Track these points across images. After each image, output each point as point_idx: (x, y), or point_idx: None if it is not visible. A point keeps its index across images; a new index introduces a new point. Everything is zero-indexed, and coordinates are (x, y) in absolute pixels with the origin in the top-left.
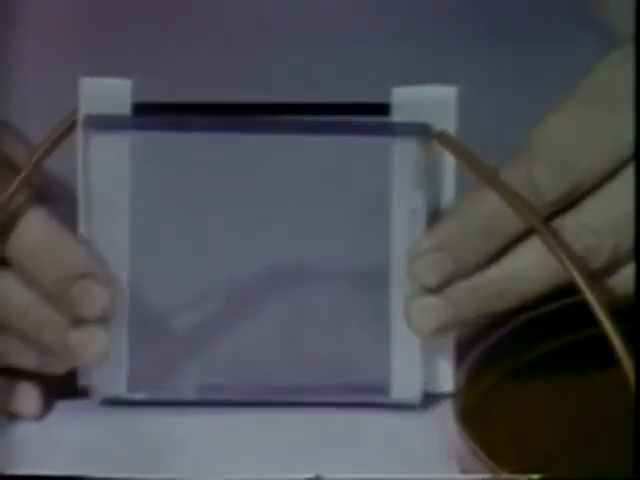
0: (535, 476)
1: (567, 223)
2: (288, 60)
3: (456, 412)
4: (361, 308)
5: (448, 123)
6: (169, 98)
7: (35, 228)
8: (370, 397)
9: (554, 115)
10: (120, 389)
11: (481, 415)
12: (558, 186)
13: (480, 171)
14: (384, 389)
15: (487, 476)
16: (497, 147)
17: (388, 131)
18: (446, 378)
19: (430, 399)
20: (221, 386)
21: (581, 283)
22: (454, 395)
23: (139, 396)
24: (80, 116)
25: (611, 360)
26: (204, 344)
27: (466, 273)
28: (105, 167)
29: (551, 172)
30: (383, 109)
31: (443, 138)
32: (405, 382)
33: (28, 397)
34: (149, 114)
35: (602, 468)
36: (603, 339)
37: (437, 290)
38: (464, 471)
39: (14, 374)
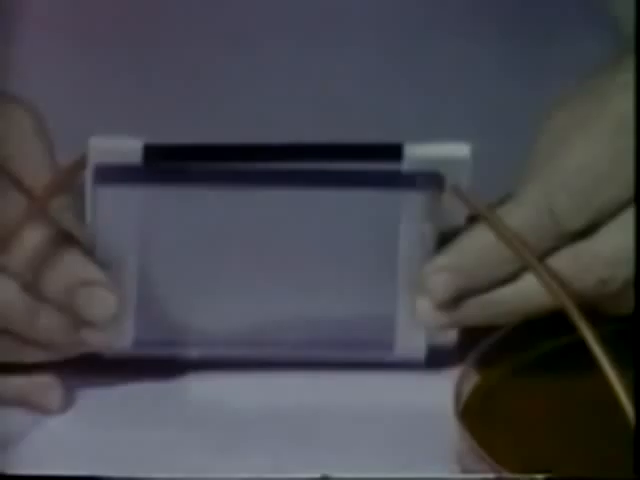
0: (539, 476)
1: (580, 253)
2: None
3: (457, 412)
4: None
5: (461, 179)
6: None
7: (35, 239)
8: (374, 354)
9: (573, 141)
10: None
11: (482, 415)
12: (578, 218)
13: (494, 225)
14: (388, 346)
15: (489, 476)
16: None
17: (399, 183)
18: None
19: (434, 355)
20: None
21: (579, 322)
22: (455, 395)
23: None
24: (89, 168)
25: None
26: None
27: (478, 292)
28: (113, 219)
29: (571, 203)
30: (395, 151)
31: (456, 191)
32: (410, 339)
33: (50, 392)
34: (159, 160)
35: (602, 468)
36: (604, 340)
37: (447, 304)
38: (465, 471)
39: (32, 370)
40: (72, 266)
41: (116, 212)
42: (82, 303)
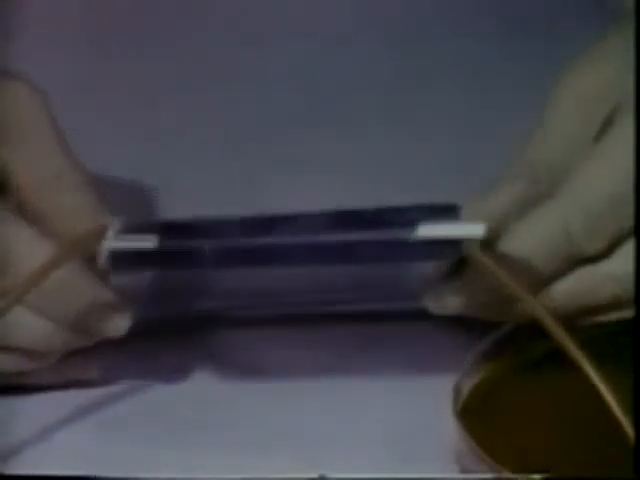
0: (536, 476)
1: (595, 272)
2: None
3: (456, 411)
4: None
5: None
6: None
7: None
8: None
9: (590, 161)
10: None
11: (482, 414)
12: (594, 241)
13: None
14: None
15: (488, 476)
16: None
17: (415, 253)
18: None
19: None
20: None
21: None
22: (454, 395)
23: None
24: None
25: (612, 359)
26: None
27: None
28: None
29: (588, 226)
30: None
31: (474, 259)
32: None
33: (88, 362)
34: (173, 241)
35: (602, 467)
36: (604, 339)
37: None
38: (464, 471)
39: None
40: (85, 288)
41: (130, 283)
42: (96, 324)
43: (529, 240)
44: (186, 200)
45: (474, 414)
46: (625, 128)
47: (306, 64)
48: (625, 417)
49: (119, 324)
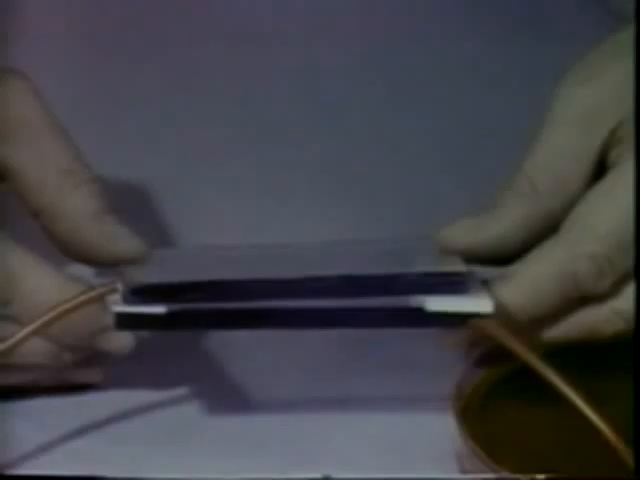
0: (539, 476)
1: (601, 309)
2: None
3: (457, 412)
4: None
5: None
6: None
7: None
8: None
9: (596, 199)
10: None
11: (482, 415)
12: (600, 283)
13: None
14: None
15: (489, 476)
16: None
17: (421, 323)
18: None
19: None
20: None
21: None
22: (455, 395)
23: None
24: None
25: (612, 361)
26: None
27: None
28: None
29: (595, 269)
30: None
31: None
32: None
33: (91, 366)
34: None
35: (601, 468)
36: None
37: None
38: (464, 471)
39: None
40: (92, 315)
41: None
42: (101, 344)
43: (534, 281)
44: (186, 204)
45: (475, 414)
46: (630, 167)
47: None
48: (621, 445)
49: (124, 343)
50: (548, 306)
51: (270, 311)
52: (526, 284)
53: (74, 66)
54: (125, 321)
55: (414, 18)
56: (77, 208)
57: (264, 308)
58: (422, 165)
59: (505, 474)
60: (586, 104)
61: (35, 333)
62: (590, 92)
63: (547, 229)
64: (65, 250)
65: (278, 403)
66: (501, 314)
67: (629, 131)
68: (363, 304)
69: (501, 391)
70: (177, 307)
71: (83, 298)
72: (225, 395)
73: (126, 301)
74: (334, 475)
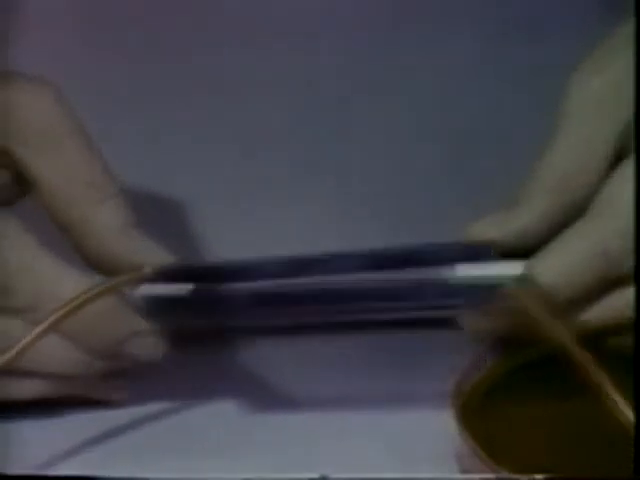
0: (539, 476)
1: (626, 295)
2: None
3: (456, 411)
4: None
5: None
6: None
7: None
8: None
9: (623, 178)
10: None
11: (482, 414)
12: (630, 261)
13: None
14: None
15: (488, 476)
16: None
17: (451, 294)
18: None
19: None
20: None
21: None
22: (454, 394)
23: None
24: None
25: (612, 361)
26: None
27: None
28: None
29: (624, 246)
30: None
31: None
32: None
33: (116, 384)
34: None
35: (601, 468)
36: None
37: None
38: (464, 471)
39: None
40: (122, 319)
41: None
42: (131, 352)
43: (566, 260)
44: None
45: (474, 414)
46: None
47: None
48: None
49: (155, 350)
50: (581, 286)
51: (298, 290)
52: (559, 263)
53: (73, 67)
54: (153, 305)
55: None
56: (105, 223)
57: (292, 287)
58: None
59: (504, 474)
60: (602, 92)
61: (59, 328)
62: (605, 80)
63: (571, 221)
64: (92, 262)
65: (277, 402)
66: (535, 294)
67: None
68: (391, 278)
69: (501, 389)
70: (205, 288)
71: (113, 283)
72: (224, 396)
73: (153, 284)
74: (331, 475)
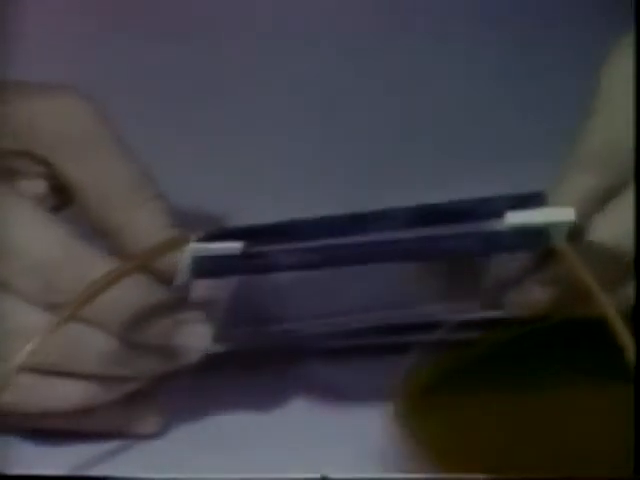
0: (481, 476)
1: None
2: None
3: (395, 412)
4: None
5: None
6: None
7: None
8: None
9: None
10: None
11: (422, 414)
12: None
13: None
14: None
15: (479, 476)
16: None
17: (504, 243)
18: None
19: None
20: None
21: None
22: (396, 393)
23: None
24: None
25: (552, 357)
26: None
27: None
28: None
29: None
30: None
31: (559, 251)
32: None
33: (147, 416)
34: (256, 246)
35: (546, 465)
36: (545, 334)
37: None
38: (404, 471)
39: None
40: (163, 310)
41: (210, 293)
42: (179, 342)
43: (615, 229)
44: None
45: (414, 413)
46: None
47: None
48: None
49: (202, 337)
50: (630, 257)
51: (347, 248)
52: (614, 225)
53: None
54: (201, 267)
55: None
56: (146, 226)
57: (341, 245)
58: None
59: (446, 475)
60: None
61: (100, 318)
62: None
63: (609, 202)
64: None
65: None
66: (584, 254)
67: None
68: (441, 232)
69: (442, 389)
70: (253, 247)
71: (161, 245)
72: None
73: (201, 246)
74: (332, 475)
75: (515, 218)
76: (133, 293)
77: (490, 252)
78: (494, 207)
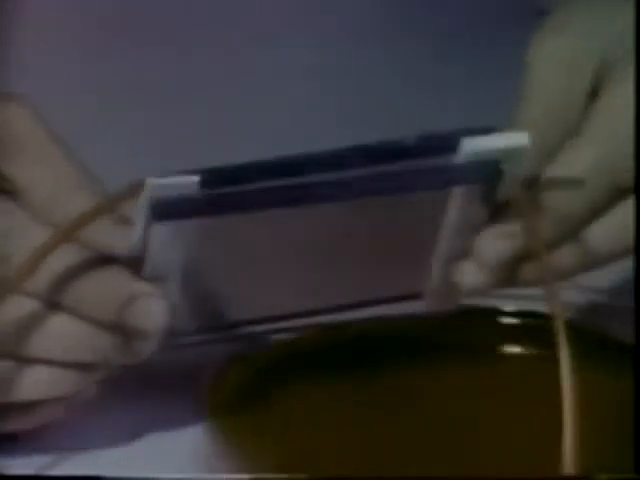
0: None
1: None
2: None
3: (206, 408)
4: None
5: (518, 165)
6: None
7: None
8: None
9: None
10: None
11: (233, 411)
12: (630, 165)
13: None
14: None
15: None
16: None
17: (452, 177)
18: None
19: None
20: None
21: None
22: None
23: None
24: (144, 205)
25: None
26: None
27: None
28: (163, 250)
29: (622, 148)
30: (451, 145)
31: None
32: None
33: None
34: (216, 187)
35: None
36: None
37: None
38: (214, 471)
39: None
40: (118, 283)
41: (168, 244)
42: (135, 317)
43: (574, 169)
44: None
45: (226, 410)
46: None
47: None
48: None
49: (157, 317)
50: (591, 197)
51: (304, 187)
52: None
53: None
54: (160, 207)
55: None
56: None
57: (297, 185)
58: None
59: (269, 476)
60: (563, 53)
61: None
62: (564, 41)
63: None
64: None
65: None
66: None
67: (615, 61)
68: (395, 169)
69: (255, 385)
70: (212, 189)
71: (119, 193)
72: None
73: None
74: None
75: (469, 145)
76: (74, 260)
77: (447, 185)
78: (448, 142)
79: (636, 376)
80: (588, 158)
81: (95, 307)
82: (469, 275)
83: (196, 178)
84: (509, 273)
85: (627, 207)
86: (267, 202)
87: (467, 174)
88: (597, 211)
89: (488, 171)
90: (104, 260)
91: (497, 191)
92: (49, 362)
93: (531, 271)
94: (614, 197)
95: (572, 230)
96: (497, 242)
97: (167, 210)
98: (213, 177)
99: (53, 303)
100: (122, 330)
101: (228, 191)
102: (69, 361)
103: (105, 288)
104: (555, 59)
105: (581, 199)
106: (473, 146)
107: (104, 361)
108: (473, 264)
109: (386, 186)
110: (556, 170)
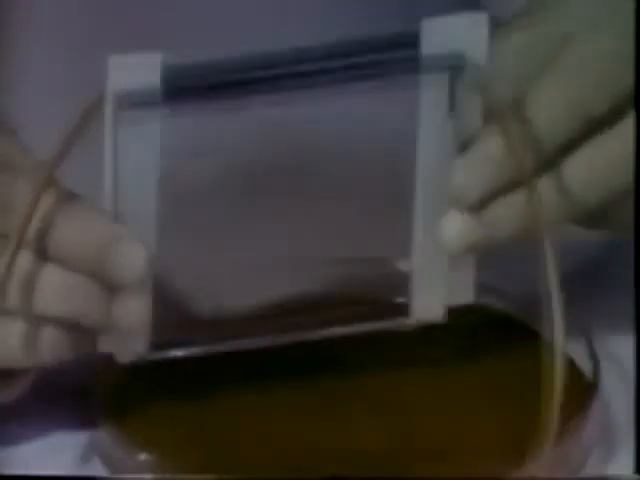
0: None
1: (610, 147)
2: None
3: (99, 403)
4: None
5: (480, 50)
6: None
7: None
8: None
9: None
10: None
11: (124, 402)
12: (602, 97)
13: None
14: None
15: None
16: None
17: (418, 68)
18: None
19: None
20: None
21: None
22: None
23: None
24: (109, 94)
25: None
26: None
27: (508, 189)
28: (135, 146)
29: (593, 80)
30: (412, 38)
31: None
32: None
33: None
34: (178, 79)
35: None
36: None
37: (475, 208)
38: (114, 470)
39: None
40: (93, 226)
41: (136, 139)
42: (113, 261)
43: (546, 104)
44: None
45: (116, 401)
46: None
47: None
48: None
49: (137, 258)
50: (564, 130)
51: (280, 77)
52: (539, 108)
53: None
54: (124, 102)
55: None
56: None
57: (268, 76)
58: None
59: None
60: (519, 45)
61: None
62: (523, 36)
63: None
64: None
65: None
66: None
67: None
68: (361, 60)
69: (141, 374)
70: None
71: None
72: None
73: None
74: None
75: (429, 29)
76: (75, 221)
77: (413, 72)
78: (412, 36)
79: (636, 376)
80: (560, 88)
81: (76, 250)
82: (452, 223)
83: (158, 57)
84: (492, 213)
85: (602, 141)
86: (238, 93)
87: (431, 63)
88: (572, 143)
89: (452, 59)
90: (77, 198)
91: (463, 87)
92: (49, 319)
93: (516, 205)
94: (588, 130)
95: (549, 164)
96: (474, 169)
97: (130, 99)
98: (174, 72)
99: (41, 252)
100: (103, 275)
101: (190, 83)
102: (64, 316)
103: (84, 231)
104: (513, 49)
105: (556, 130)
106: (433, 29)
107: (98, 318)
108: (455, 212)
109: (354, 75)
110: (532, 97)
